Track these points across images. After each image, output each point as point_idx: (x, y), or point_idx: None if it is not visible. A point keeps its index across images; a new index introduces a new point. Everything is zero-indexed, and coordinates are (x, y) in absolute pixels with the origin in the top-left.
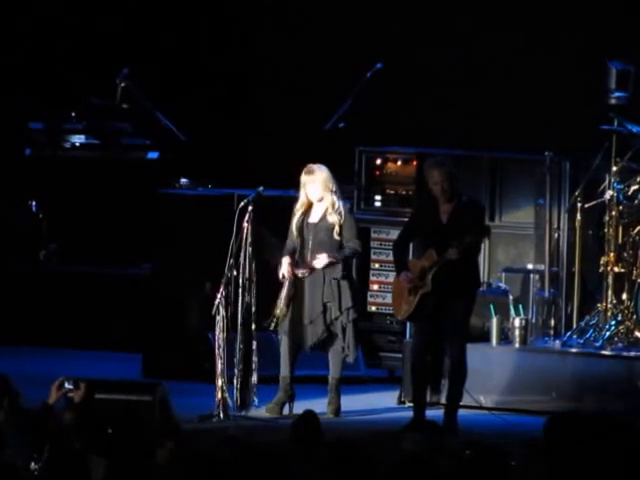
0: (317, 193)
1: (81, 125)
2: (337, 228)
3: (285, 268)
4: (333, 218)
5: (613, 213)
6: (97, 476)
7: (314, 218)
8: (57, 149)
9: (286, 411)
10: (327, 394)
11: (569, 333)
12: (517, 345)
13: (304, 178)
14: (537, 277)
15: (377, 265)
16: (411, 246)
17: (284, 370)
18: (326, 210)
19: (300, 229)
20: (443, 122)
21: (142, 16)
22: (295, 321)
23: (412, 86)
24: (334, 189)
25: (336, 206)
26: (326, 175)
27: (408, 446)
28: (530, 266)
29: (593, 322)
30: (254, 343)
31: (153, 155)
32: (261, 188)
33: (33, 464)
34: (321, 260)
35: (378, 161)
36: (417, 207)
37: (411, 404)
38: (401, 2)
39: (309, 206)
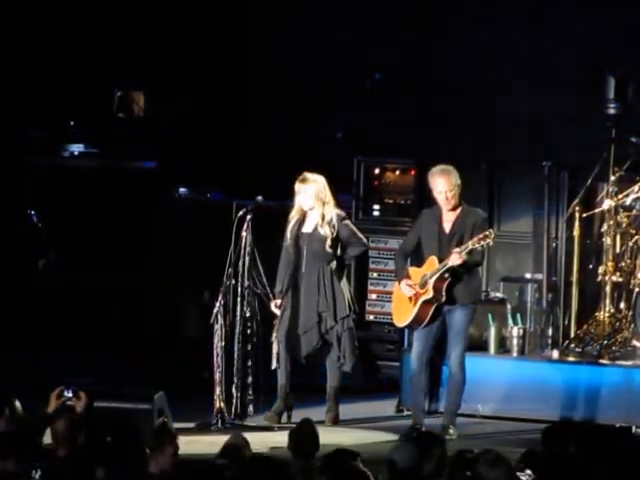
0: (308, 203)
1: (80, 134)
2: (329, 241)
3: (276, 303)
4: (325, 231)
5: (611, 222)
6: None
7: (308, 228)
8: (56, 158)
9: (284, 420)
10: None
11: (567, 342)
12: (515, 354)
13: (298, 186)
14: (535, 286)
15: (375, 274)
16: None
17: (282, 379)
18: (318, 221)
19: (295, 237)
20: (442, 132)
21: (140, 20)
22: (291, 331)
23: (411, 96)
24: (327, 200)
25: (327, 218)
26: (319, 186)
27: (402, 456)
28: (528, 275)
29: (591, 331)
30: (252, 352)
31: (151, 164)
32: (260, 197)
33: (34, 472)
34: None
35: (376, 171)
36: (420, 215)
37: (409, 412)
38: (400, 13)
39: (303, 214)
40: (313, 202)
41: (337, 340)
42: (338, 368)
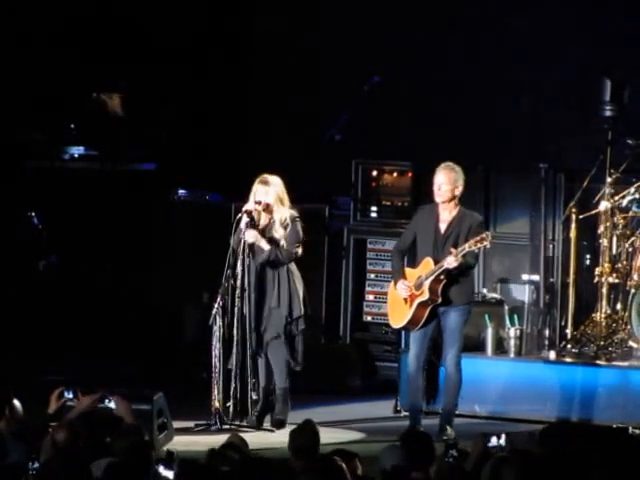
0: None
1: (80, 136)
2: (283, 241)
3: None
4: (280, 233)
5: (608, 224)
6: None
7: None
8: (56, 160)
9: (267, 421)
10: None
11: (564, 343)
12: (512, 355)
13: (257, 187)
14: (532, 288)
15: (373, 275)
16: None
17: (262, 381)
18: (275, 223)
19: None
20: (439, 134)
21: (139, 21)
22: (249, 330)
23: (408, 98)
24: (285, 202)
25: (283, 219)
26: (279, 188)
27: (391, 461)
28: (525, 277)
29: (588, 332)
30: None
31: (150, 166)
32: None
33: (31, 464)
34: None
35: (374, 173)
36: (416, 212)
37: (407, 413)
38: (399, 16)
39: (258, 214)
40: (273, 204)
41: (291, 339)
42: (287, 368)
